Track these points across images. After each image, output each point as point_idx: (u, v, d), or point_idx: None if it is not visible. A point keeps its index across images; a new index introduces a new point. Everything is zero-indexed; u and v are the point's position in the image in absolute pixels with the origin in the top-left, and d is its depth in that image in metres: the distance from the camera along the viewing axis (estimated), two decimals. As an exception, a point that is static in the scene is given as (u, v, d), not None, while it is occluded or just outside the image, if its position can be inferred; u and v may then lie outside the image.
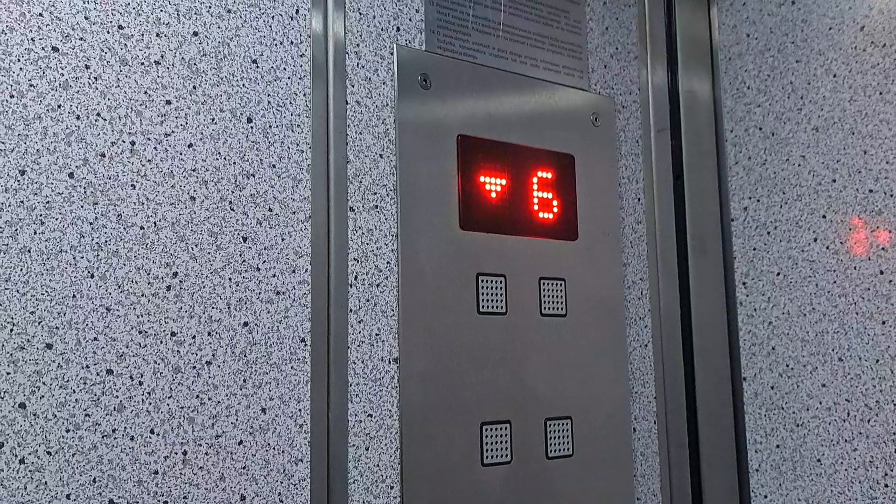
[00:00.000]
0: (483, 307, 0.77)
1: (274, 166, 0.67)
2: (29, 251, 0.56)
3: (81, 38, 0.59)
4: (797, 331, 0.87)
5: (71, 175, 0.58)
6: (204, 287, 0.63)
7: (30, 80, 0.57)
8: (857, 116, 0.82)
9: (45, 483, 0.55)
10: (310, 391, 0.67)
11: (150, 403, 0.59)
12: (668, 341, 0.91)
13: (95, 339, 0.58)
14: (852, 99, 0.83)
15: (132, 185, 0.60)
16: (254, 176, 0.66)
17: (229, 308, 0.64)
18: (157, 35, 0.63)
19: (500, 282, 0.78)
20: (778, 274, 0.89)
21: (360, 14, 0.73)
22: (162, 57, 0.63)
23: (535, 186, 0.81)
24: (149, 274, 0.60)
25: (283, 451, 0.65)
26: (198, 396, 0.61)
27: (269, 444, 0.64)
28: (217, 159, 0.64)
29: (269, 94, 0.67)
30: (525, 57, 0.84)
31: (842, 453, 0.82)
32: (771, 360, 0.89)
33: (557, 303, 0.82)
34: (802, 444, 0.86)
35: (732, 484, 0.92)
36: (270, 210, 0.66)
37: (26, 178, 0.56)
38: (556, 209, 0.83)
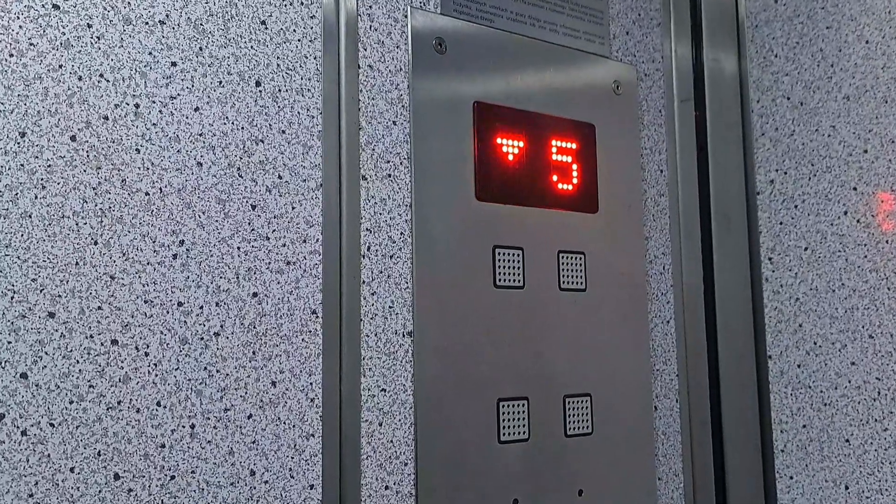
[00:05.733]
0: (500, 280, 0.74)
1: (283, 132, 0.65)
2: (30, 216, 0.54)
3: (83, -3, 0.57)
4: (825, 307, 0.84)
5: (73, 138, 0.56)
6: (212, 256, 0.61)
7: (30, 38, 0.55)
8: (891, 84, 0.79)
9: (48, 456, 0.53)
10: (321, 364, 0.65)
11: (156, 375, 0.57)
12: (690, 317, 0.88)
13: (99, 308, 0.56)
14: (886, 66, 0.79)
15: (136, 150, 0.58)
16: (263, 142, 0.64)
17: (238, 278, 0.61)
18: (163, -6, 0.60)
19: (518, 255, 0.76)
20: (806, 249, 0.86)
21: (373, -24, 0.71)
22: (167, 16, 0.60)
23: (553, 156, 0.79)
24: (154, 241, 0.58)
25: (293, 426, 0.63)
26: (206, 368, 0.59)
27: (279, 418, 0.62)
28: (224, 124, 0.62)
29: (278, 57, 0.65)
30: (544, 21, 0.81)
31: (871, 433, 0.79)
32: (798, 337, 0.87)
33: (577, 277, 0.79)
34: (830, 423, 0.83)
35: (757, 464, 0.90)
36: (280, 177, 0.64)
37: (26, 141, 0.54)
38: (575, 180, 0.80)
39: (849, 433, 0.81)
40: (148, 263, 0.58)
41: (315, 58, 0.67)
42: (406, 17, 0.72)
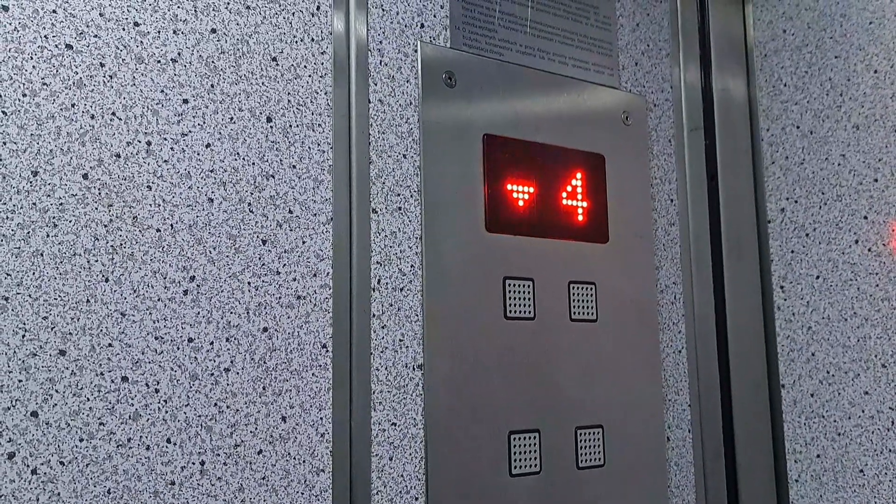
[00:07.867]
0: (510, 312, 0.74)
1: (294, 167, 0.65)
2: (41, 254, 0.54)
3: (96, 36, 0.58)
4: (838, 336, 0.83)
5: (85, 176, 0.56)
6: (222, 291, 0.61)
7: (43, 78, 0.55)
8: (901, 113, 0.79)
9: (58, 494, 0.53)
10: (331, 399, 0.64)
11: (166, 412, 0.57)
12: (702, 347, 0.88)
13: (110, 345, 0.56)
14: (894, 95, 0.79)
15: (148, 187, 0.58)
16: (273, 177, 0.64)
17: (248, 313, 0.61)
18: (174, 32, 0.61)
19: (528, 286, 0.75)
20: (817, 277, 0.86)
21: (383, 10, 0.71)
22: (179, 54, 0.61)
23: (563, 187, 0.79)
24: (165, 278, 0.58)
25: (304, 461, 0.62)
26: (216, 404, 0.59)
27: (289, 453, 0.62)
28: (236, 160, 0.62)
29: (289, 93, 0.65)
30: (553, 54, 0.81)
31: (886, 464, 0.78)
32: (811, 366, 0.86)
33: (587, 307, 0.79)
34: (844, 453, 0.82)
35: (771, 495, 0.89)
36: (291, 212, 0.64)
37: (39, 180, 0.55)
38: (585, 211, 0.80)
39: (863, 463, 0.81)
40: (158, 300, 0.58)
41: (326, 93, 0.67)
42: (416, 51, 0.72)
